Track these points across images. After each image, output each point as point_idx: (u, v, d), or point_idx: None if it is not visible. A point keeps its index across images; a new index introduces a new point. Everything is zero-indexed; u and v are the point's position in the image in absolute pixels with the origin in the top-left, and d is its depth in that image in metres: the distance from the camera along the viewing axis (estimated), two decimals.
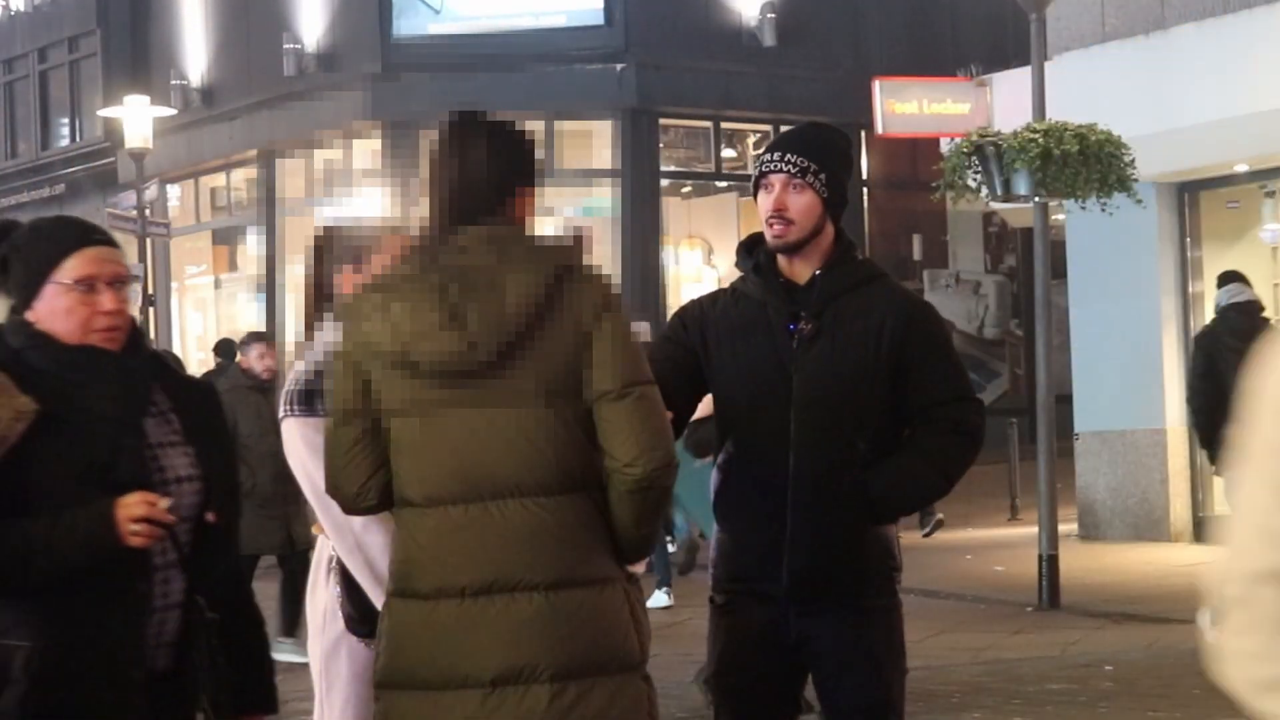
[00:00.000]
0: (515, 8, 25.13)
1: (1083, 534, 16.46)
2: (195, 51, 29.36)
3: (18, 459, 3.70)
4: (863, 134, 23.62)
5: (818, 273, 4.69)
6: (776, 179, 4.69)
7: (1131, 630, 11.37)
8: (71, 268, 3.85)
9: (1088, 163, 13.10)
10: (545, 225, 4.09)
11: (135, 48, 31.13)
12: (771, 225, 4.69)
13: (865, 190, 25.80)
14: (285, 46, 26.54)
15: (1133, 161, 13.39)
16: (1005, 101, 17.40)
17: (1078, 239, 16.83)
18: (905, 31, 25.99)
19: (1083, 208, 13.70)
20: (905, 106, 19.94)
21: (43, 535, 3.71)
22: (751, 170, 4.92)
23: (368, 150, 25.61)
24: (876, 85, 20.14)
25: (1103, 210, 13.61)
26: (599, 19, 24.86)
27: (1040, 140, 12.89)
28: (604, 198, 24.99)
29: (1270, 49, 14.84)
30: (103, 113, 27.84)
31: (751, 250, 4.78)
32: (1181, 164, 15.68)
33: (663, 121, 25.53)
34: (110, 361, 3.86)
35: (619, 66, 24.66)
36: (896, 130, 20.42)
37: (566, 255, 3.97)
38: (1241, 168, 16.01)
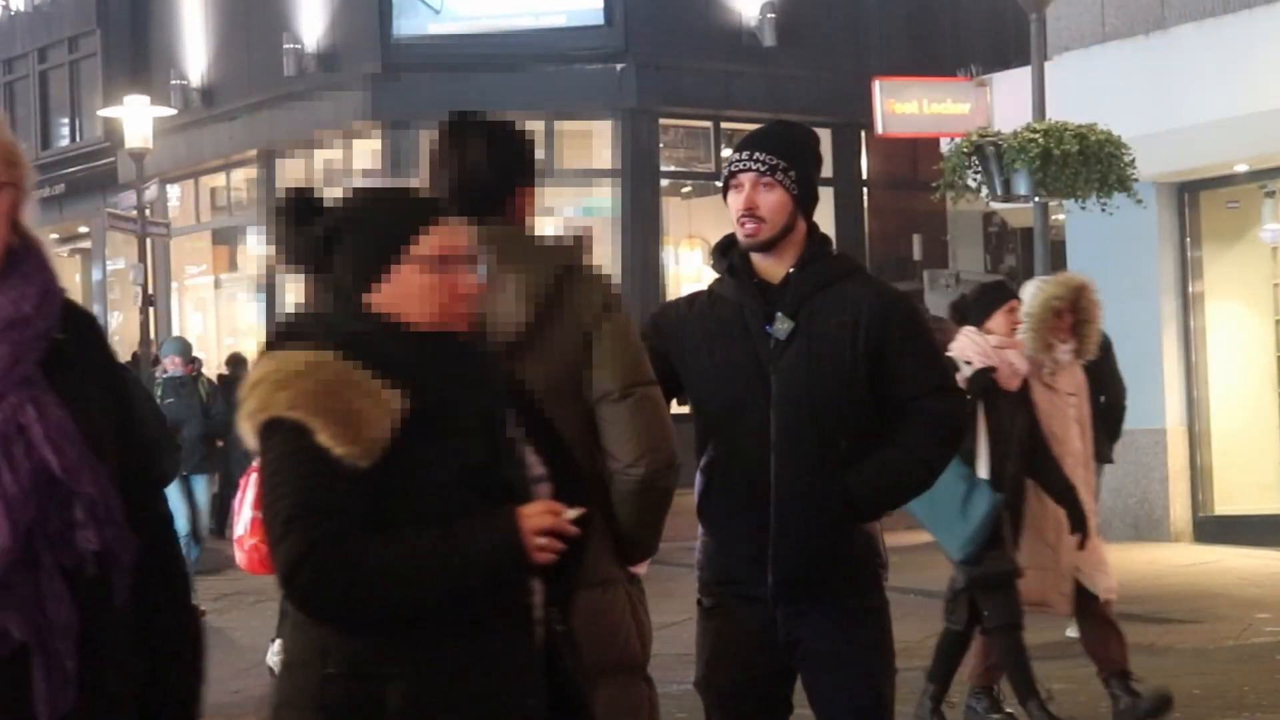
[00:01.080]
0: (515, 8, 25.11)
1: None
2: (195, 51, 29.34)
3: (391, 464, 3.14)
4: (863, 134, 23.61)
5: (791, 271, 4.67)
6: (746, 178, 4.67)
7: (1131, 630, 11.34)
8: (433, 242, 3.29)
9: (1088, 163, 13.10)
10: (545, 225, 4.08)
11: (135, 48, 31.10)
12: (743, 224, 4.67)
13: (865, 190, 25.78)
14: (285, 46, 26.51)
15: (1133, 161, 13.39)
16: (1005, 101, 17.41)
17: (1078, 239, 16.82)
18: (905, 31, 25.96)
19: (1083, 208, 13.70)
20: (905, 106, 19.94)
21: (435, 552, 3.12)
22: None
23: (368, 150, 25.59)
24: (876, 85, 20.15)
25: (1103, 210, 13.61)
26: (599, 19, 24.84)
27: (1040, 140, 12.90)
28: (604, 198, 24.96)
29: (1270, 49, 14.84)
30: (103, 113, 27.81)
31: (726, 251, 4.76)
32: (1181, 164, 15.68)
33: (663, 121, 25.49)
34: (473, 349, 3.32)
35: (619, 66, 24.64)
36: (896, 130, 20.42)
37: (568, 255, 3.96)
38: (1241, 168, 16.01)
